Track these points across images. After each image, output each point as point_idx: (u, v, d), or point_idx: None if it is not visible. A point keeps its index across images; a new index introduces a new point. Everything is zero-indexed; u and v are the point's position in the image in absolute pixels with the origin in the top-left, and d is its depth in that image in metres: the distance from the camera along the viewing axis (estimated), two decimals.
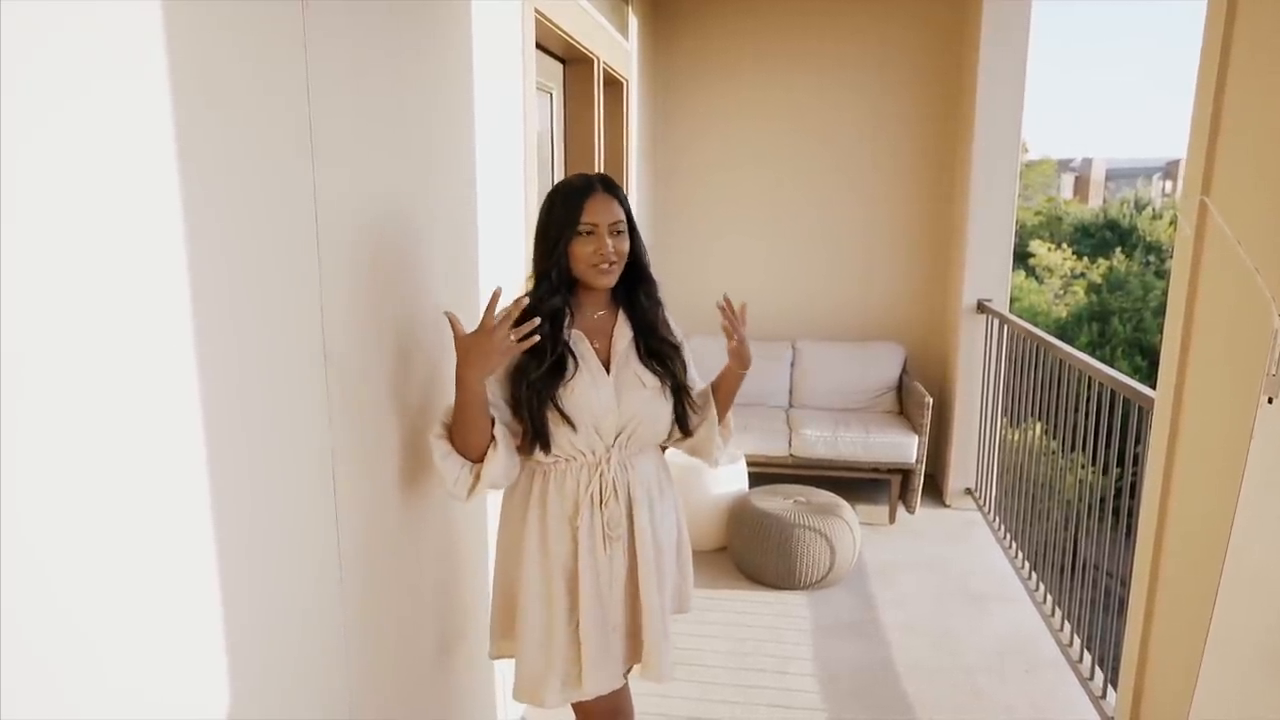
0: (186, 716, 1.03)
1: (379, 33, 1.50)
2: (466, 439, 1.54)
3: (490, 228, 2.07)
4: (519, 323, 1.48)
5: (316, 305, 1.29)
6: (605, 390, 1.63)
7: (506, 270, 2.19)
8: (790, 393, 4.51)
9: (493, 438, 1.56)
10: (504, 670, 2.01)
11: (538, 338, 1.50)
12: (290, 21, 1.21)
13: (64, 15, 0.82)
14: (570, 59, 3.27)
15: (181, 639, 1.02)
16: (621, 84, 3.74)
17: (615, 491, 1.64)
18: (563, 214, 1.59)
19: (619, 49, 3.61)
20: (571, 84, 3.33)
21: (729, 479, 3.67)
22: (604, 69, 3.38)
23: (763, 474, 3.99)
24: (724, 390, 1.82)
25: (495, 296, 1.50)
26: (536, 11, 2.46)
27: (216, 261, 1.05)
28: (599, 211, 1.59)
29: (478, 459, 1.57)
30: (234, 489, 1.09)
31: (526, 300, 1.52)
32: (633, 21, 3.92)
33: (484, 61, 2.03)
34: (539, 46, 2.78)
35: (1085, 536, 2.76)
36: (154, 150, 0.95)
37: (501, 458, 1.56)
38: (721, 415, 1.81)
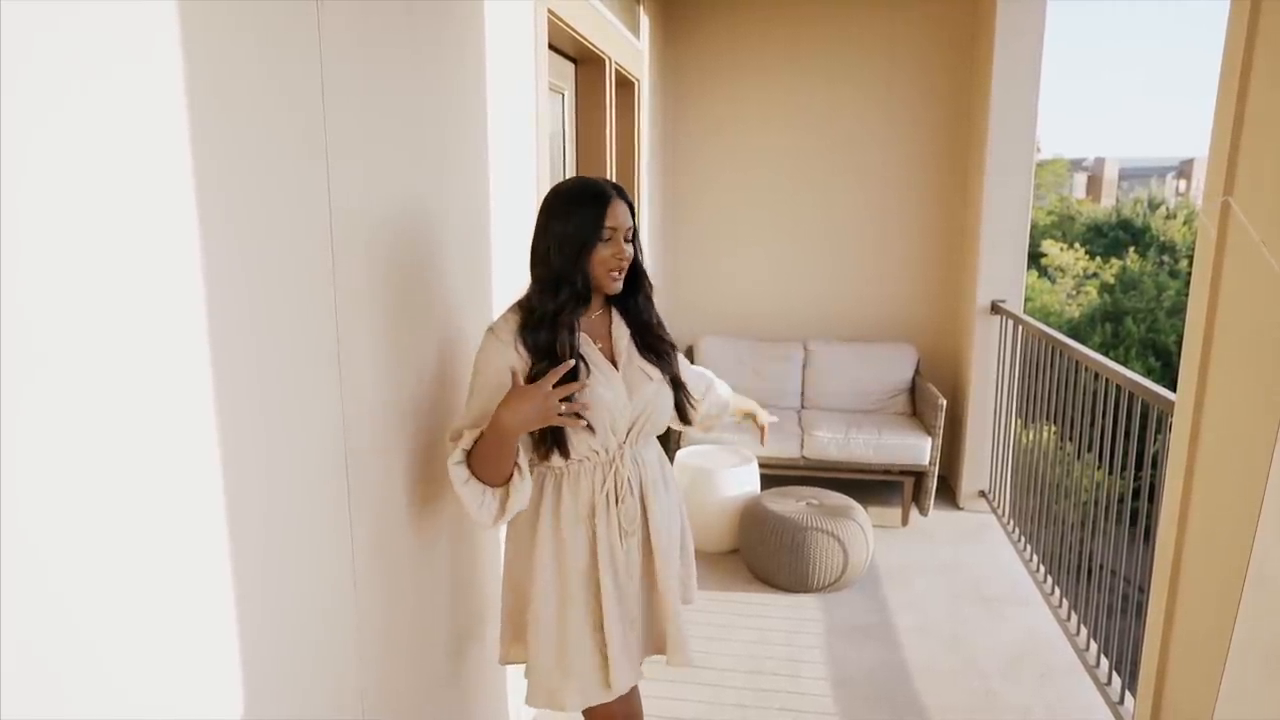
0: (201, 717, 1.02)
1: (393, 32, 1.49)
2: (490, 470, 1.52)
3: (503, 229, 2.07)
4: (563, 380, 1.49)
5: (330, 306, 1.29)
6: (618, 387, 1.64)
7: (520, 272, 2.18)
8: (802, 394, 4.49)
9: (516, 465, 1.54)
10: (516, 671, 2.00)
11: (580, 419, 1.54)
12: (305, 22, 1.20)
13: (78, 14, 0.82)
14: (582, 59, 3.26)
15: (196, 640, 1.02)
16: (633, 84, 3.73)
17: (630, 487, 1.66)
18: (587, 220, 1.56)
19: (631, 49, 3.60)
20: (583, 84, 3.32)
21: (741, 481, 3.66)
22: (616, 69, 3.37)
23: (774, 476, 3.97)
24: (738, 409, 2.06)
25: (565, 366, 1.48)
26: (549, 11, 2.46)
27: (230, 262, 1.05)
28: (619, 217, 1.59)
29: (499, 484, 1.54)
30: (248, 492, 1.09)
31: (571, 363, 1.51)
32: (644, 21, 3.91)
33: (497, 61, 2.03)
34: (551, 46, 2.77)
35: (1101, 540, 2.73)
36: (169, 150, 0.94)
37: (527, 484, 1.56)
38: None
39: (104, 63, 0.85)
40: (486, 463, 1.51)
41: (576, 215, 1.57)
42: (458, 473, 1.52)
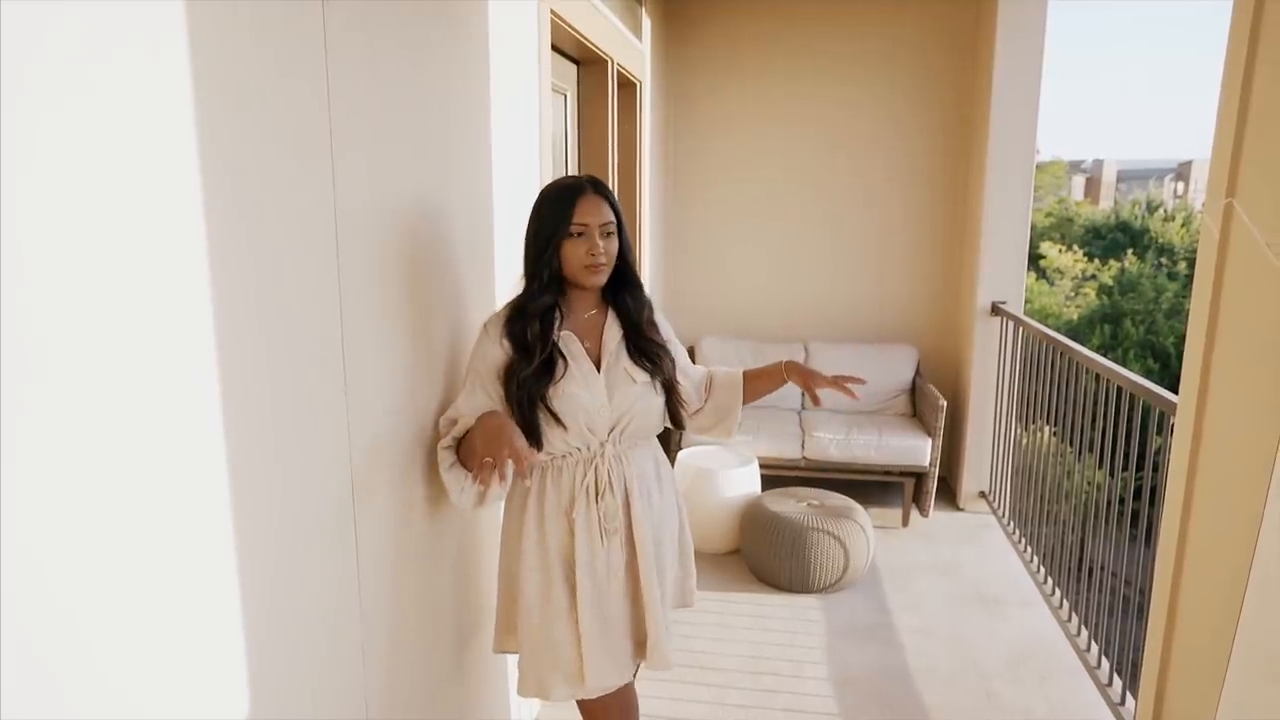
0: (207, 715, 1.02)
1: (398, 32, 1.49)
2: (472, 462, 1.55)
3: (506, 229, 2.07)
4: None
5: (335, 306, 1.29)
6: (596, 388, 1.65)
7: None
8: (803, 395, 4.49)
9: None
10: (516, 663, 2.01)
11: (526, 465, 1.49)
12: (310, 20, 1.21)
13: (83, 9, 0.82)
14: (584, 60, 3.27)
15: (201, 641, 1.02)
16: (635, 85, 3.74)
17: (611, 484, 1.66)
18: (554, 215, 1.61)
19: (633, 50, 3.60)
20: (585, 85, 3.32)
21: (741, 482, 3.66)
22: (618, 70, 3.37)
23: (775, 477, 3.97)
24: (761, 389, 1.88)
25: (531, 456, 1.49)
26: (552, 12, 2.46)
27: (235, 261, 1.05)
28: (590, 212, 1.60)
29: None
30: (253, 493, 1.09)
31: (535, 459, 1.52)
32: (646, 23, 3.92)
33: (500, 62, 2.03)
34: (554, 48, 2.77)
35: (1103, 541, 2.73)
36: (174, 145, 0.94)
37: (507, 480, 1.57)
38: (748, 401, 1.88)
39: (110, 58, 0.85)
40: (471, 455, 1.55)
41: (548, 211, 1.63)
42: (445, 457, 1.60)
